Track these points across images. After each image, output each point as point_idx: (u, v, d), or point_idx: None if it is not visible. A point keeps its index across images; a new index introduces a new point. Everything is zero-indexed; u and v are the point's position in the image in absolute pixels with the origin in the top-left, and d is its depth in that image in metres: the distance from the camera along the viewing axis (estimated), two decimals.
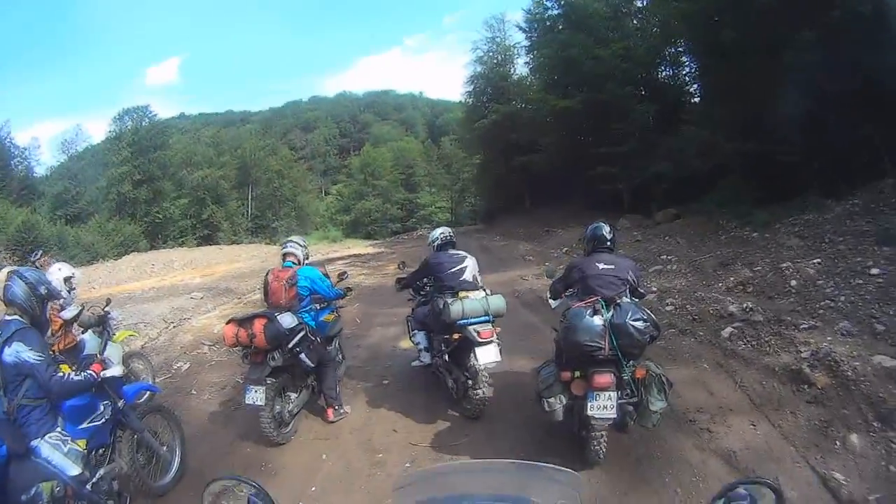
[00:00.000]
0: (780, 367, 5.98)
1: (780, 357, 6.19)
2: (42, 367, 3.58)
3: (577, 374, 4.48)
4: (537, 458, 2.53)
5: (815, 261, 8.75)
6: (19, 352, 3.54)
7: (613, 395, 4.30)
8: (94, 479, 3.86)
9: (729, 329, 7.27)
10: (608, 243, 5.15)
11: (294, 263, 6.13)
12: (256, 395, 5.33)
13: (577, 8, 26.99)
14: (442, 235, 6.68)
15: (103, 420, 4.12)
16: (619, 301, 4.57)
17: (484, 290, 6.14)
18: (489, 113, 37.37)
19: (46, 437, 3.62)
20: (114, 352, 6.52)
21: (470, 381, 5.63)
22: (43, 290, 3.89)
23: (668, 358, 6.80)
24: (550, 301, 5.74)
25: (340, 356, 6.88)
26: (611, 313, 4.40)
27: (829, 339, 6.20)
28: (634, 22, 26.74)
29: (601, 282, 4.80)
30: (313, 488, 4.89)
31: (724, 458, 4.61)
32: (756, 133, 13.75)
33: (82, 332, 6.30)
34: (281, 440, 5.60)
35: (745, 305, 7.80)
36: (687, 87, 24.67)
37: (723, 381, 6.09)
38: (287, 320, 5.55)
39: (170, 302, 15.10)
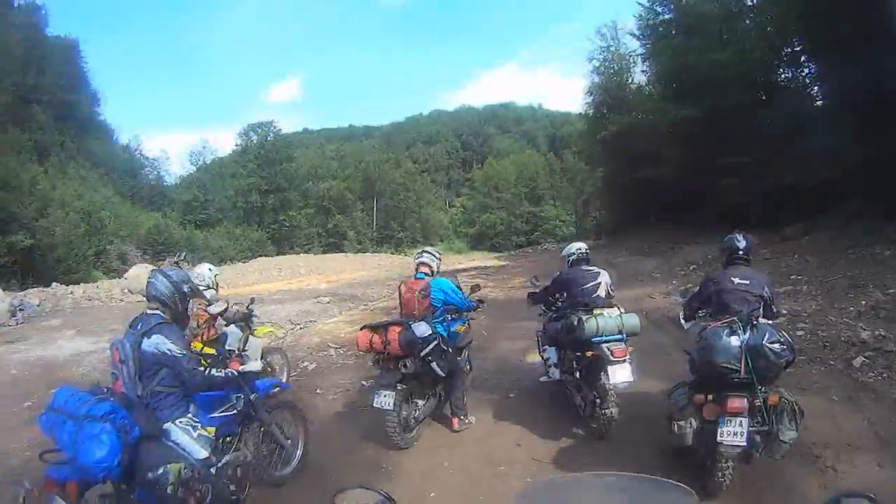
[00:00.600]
0: None
1: None
2: (184, 360, 3.80)
3: (711, 397, 4.38)
4: None
5: None
6: (159, 344, 3.75)
7: (745, 421, 4.16)
8: (219, 465, 4.01)
9: (860, 358, 7.02)
10: (744, 255, 5.14)
11: (426, 275, 6.26)
12: (385, 400, 5.51)
13: (689, 10, 26.15)
14: (578, 251, 6.63)
15: (235, 411, 4.36)
16: (756, 322, 4.41)
17: (618, 307, 6.08)
18: (610, 125, 36.34)
19: (178, 420, 3.84)
20: (254, 346, 7.18)
21: (598, 400, 5.58)
22: (186, 288, 4.13)
23: (796, 386, 6.53)
24: (683, 322, 5.72)
25: (469, 367, 6.85)
26: (748, 334, 4.26)
27: None
28: (748, 21, 25.17)
29: (735, 297, 4.80)
30: (432, 494, 5.00)
31: None
32: (886, 137, 12.77)
33: (225, 326, 6.82)
34: (405, 445, 5.75)
35: (877, 332, 7.57)
36: (809, 90, 23.24)
37: (851, 415, 5.85)
38: (421, 329, 5.63)
39: (296, 305, 15.69)
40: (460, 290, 6.47)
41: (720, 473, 4.33)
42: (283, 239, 59.57)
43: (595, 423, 5.75)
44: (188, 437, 3.83)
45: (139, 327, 3.88)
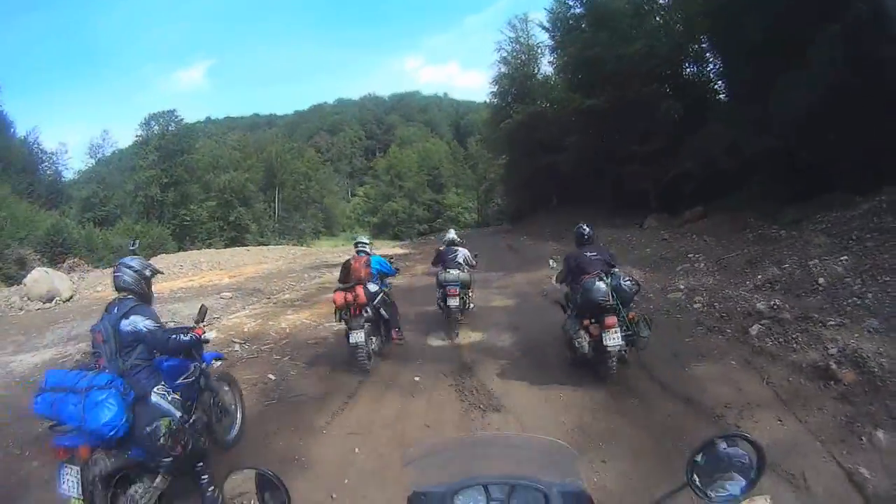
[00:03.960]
0: (808, 364, 6.05)
1: (808, 354, 6.27)
2: (159, 331, 4.41)
3: (593, 321, 6.50)
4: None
5: (842, 258, 8.73)
6: (136, 322, 4.26)
7: (619, 330, 6.36)
8: (191, 421, 4.68)
9: (757, 327, 7.37)
10: (588, 238, 7.53)
11: (365, 253, 8.55)
12: (358, 336, 7.35)
13: (600, 6, 26.59)
14: (449, 238, 10.52)
15: (192, 379, 4.96)
16: (612, 272, 6.82)
17: (461, 269, 9.63)
18: (514, 113, 36.99)
19: (155, 389, 4.29)
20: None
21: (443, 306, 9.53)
22: (149, 272, 4.69)
23: (696, 355, 7.03)
24: (555, 283, 8.15)
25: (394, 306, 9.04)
26: (610, 280, 6.65)
27: (856, 336, 6.25)
28: (657, 19, 25.82)
29: (591, 264, 6.97)
30: (346, 481, 4.95)
31: None
32: (782, 130, 13.57)
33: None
34: (369, 368, 7.58)
35: (772, 303, 7.88)
36: (712, 84, 24.11)
37: (751, 378, 6.16)
38: (373, 286, 8.04)
39: (199, 302, 15.00)
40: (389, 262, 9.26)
41: (609, 364, 6.47)
42: (184, 234, 57.09)
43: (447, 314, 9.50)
44: (165, 401, 4.31)
45: (115, 311, 4.34)
